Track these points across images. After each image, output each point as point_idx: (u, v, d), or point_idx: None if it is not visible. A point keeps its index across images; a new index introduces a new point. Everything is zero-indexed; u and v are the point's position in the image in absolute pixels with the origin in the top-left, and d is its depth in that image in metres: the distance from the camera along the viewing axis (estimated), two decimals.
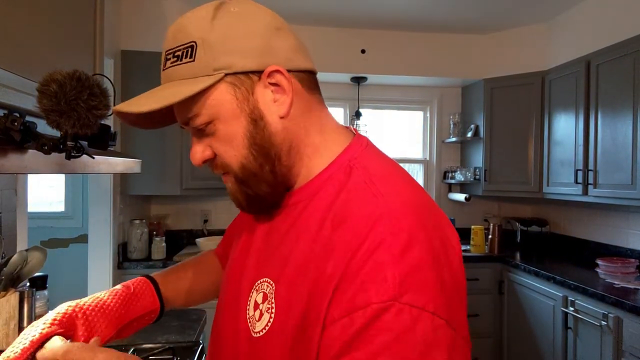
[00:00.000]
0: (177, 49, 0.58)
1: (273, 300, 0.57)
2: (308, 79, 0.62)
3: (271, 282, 0.58)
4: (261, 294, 0.59)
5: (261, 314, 0.58)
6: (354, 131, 0.69)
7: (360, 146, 0.64)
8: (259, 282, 0.61)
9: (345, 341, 0.48)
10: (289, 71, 0.58)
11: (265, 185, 0.61)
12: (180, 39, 0.58)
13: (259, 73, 0.58)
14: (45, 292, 1.67)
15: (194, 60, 0.57)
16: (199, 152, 0.61)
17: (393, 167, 0.63)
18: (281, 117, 0.59)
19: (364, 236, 0.51)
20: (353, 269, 0.50)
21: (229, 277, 0.70)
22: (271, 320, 0.56)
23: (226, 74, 0.57)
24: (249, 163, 0.60)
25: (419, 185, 0.62)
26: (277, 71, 0.58)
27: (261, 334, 0.57)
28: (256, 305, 0.59)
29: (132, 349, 1.32)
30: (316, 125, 0.63)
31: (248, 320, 0.60)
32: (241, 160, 0.60)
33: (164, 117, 0.64)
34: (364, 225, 0.52)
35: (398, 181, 0.60)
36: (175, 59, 0.58)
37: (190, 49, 0.57)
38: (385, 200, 0.54)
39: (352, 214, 0.54)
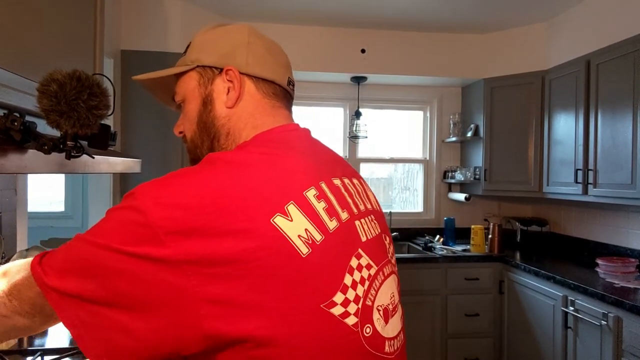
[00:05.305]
0: (187, 46, 0.79)
1: None
2: (266, 86, 0.75)
3: None
4: None
5: None
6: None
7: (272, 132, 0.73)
8: None
9: None
10: (245, 74, 0.73)
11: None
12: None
13: (220, 69, 0.74)
14: None
15: (185, 54, 0.78)
16: (177, 124, 0.80)
17: (281, 142, 0.69)
18: (228, 107, 0.74)
19: None
20: None
21: None
22: None
23: (197, 66, 0.75)
24: (195, 136, 0.76)
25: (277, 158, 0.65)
26: (231, 70, 0.73)
27: None
28: None
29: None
30: (254, 122, 0.74)
31: None
32: (191, 134, 0.77)
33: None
34: None
35: (257, 146, 0.67)
36: (183, 52, 0.79)
37: (187, 47, 0.78)
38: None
39: None
